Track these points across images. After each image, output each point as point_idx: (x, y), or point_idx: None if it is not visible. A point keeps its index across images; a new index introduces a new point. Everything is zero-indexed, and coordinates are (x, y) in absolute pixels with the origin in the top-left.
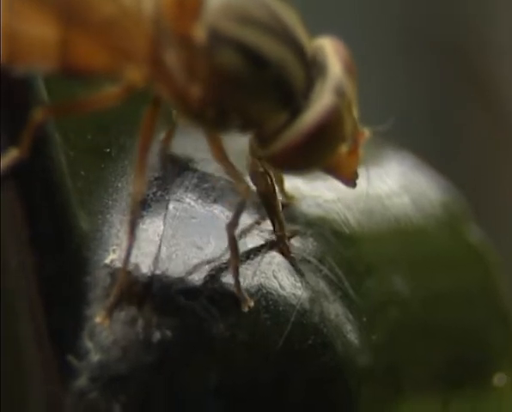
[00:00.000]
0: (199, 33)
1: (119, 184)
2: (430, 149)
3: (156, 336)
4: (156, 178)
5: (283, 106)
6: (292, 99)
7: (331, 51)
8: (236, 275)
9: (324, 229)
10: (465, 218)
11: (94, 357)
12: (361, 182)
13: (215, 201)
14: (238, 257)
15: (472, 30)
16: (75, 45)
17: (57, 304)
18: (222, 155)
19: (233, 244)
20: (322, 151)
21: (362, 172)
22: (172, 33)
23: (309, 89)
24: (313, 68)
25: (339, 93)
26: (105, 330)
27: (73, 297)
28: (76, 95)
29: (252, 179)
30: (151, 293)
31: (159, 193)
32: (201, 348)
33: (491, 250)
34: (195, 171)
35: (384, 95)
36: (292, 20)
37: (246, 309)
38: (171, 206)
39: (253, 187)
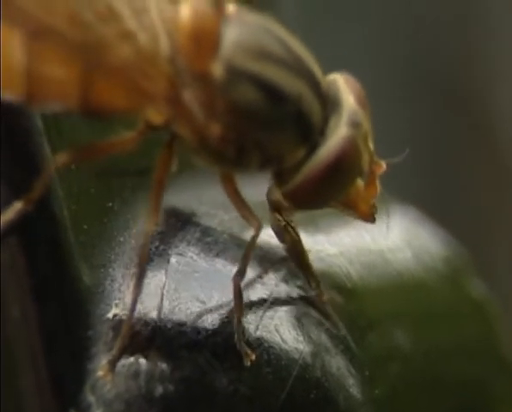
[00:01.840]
0: (217, 70)
1: (122, 239)
2: (432, 200)
3: (159, 389)
4: (159, 233)
5: (301, 140)
6: (310, 133)
7: (343, 85)
8: (239, 327)
9: (325, 283)
10: (467, 272)
11: (97, 411)
12: (363, 236)
13: (217, 255)
14: (242, 309)
15: (476, 76)
16: (94, 86)
17: (59, 357)
18: (235, 194)
19: (238, 294)
20: (341, 183)
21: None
22: (189, 71)
23: (325, 124)
24: (327, 102)
25: (355, 124)
26: (107, 383)
27: (75, 350)
28: (82, 141)
29: (277, 236)
30: (154, 347)
31: (161, 247)
32: (204, 402)
33: (493, 303)
34: (197, 225)
35: (386, 142)
36: (306, 54)
37: (248, 363)
38: (173, 260)
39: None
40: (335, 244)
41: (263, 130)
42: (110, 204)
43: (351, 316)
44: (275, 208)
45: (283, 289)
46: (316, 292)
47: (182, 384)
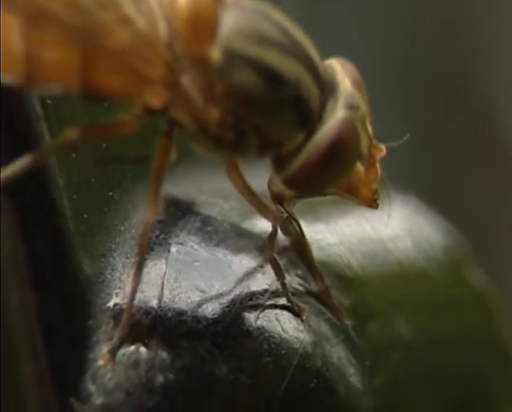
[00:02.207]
0: (215, 55)
1: (122, 228)
2: (433, 191)
3: (159, 379)
4: (159, 222)
5: (300, 125)
6: (309, 117)
7: (339, 69)
8: (285, 289)
9: (326, 272)
10: (467, 261)
11: (97, 400)
12: (364, 225)
13: (218, 244)
14: (283, 274)
15: (474, 74)
16: (93, 70)
17: (60, 346)
18: (243, 184)
19: (274, 264)
20: (340, 166)
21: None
22: (187, 56)
23: (323, 108)
24: (325, 87)
25: (352, 107)
26: (108, 372)
27: (76, 340)
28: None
29: (281, 229)
30: (154, 336)
31: (162, 236)
32: (204, 391)
33: (494, 292)
34: (198, 214)
35: (385, 136)
36: (304, 39)
37: (304, 317)
38: (174, 249)
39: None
40: (335, 233)
41: (262, 115)
42: (110, 193)
43: (352, 305)
44: (277, 199)
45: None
46: (320, 287)
47: (182, 374)
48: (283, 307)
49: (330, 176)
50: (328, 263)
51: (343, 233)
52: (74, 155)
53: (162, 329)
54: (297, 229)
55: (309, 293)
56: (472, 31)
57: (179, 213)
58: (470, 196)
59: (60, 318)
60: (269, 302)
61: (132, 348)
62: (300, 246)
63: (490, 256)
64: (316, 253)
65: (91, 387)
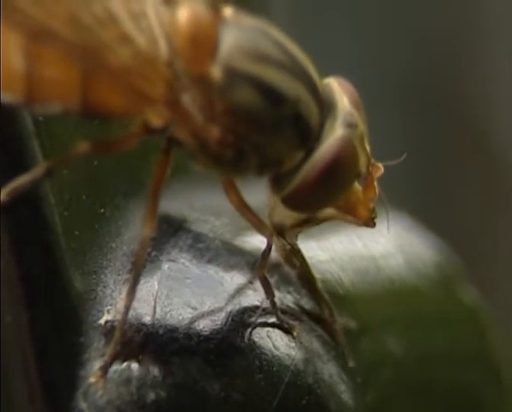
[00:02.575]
0: (215, 73)
1: (114, 245)
2: (426, 207)
3: (151, 396)
4: (151, 239)
5: (300, 143)
6: (308, 135)
7: (337, 87)
8: (275, 308)
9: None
10: (459, 278)
11: None
12: (355, 242)
13: (209, 261)
14: (273, 292)
15: (470, 86)
16: (94, 88)
17: (51, 363)
18: (240, 202)
19: (264, 282)
20: (339, 184)
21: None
22: (188, 74)
23: (322, 127)
24: (324, 105)
25: (350, 125)
26: (99, 390)
27: (67, 357)
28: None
29: (286, 262)
30: (146, 353)
31: (153, 253)
32: (196, 409)
33: (485, 309)
34: (189, 231)
35: (379, 150)
36: (304, 57)
37: (295, 334)
38: (165, 266)
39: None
40: (326, 250)
41: (262, 133)
42: (102, 210)
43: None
44: (277, 230)
45: (276, 295)
46: (329, 319)
47: (174, 391)
48: (273, 325)
49: (328, 194)
50: (319, 281)
51: (334, 250)
52: (65, 172)
53: (154, 346)
54: (302, 260)
55: (301, 309)
56: (467, 46)
57: (170, 230)
58: (464, 212)
59: (52, 335)
60: (260, 319)
61: (124, 365)
62: (305, 278)
63: (483, 272)
64: None
65: (83, 404)
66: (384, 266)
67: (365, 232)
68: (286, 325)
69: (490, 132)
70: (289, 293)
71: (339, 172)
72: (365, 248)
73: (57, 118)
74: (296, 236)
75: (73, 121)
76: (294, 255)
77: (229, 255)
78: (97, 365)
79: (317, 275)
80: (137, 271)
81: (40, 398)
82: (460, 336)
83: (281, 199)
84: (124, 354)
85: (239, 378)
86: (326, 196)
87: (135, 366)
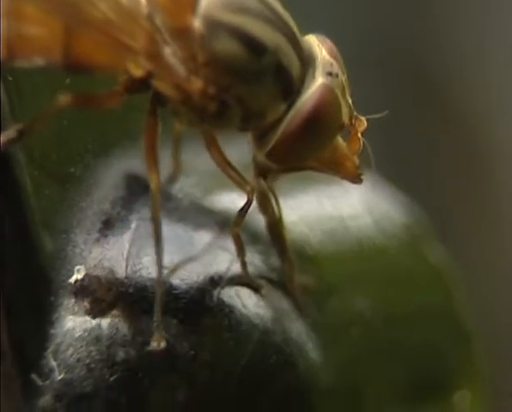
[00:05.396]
0: (196, 25)
1: (84, 204)
2: (392, 166)
3: (120, 354)
4: (121, 198)
5: (282, 95)
6: (290, 87)
7: (316, 42)
8: (245, 268)
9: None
10: (427, 238)
11: (59, 376)
12: (324, 203)
13: (179, 220)
14: (244, 251)
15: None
16: (76, 42)
17: (21, 322)
18: (221, 158)
19: (237, 240)
20: (322, 134)
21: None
22: (169, 27)
23: (303, 80)
24: (305, 58)
25: (331, 74)
26: (69, 348)
27: (37, 316)
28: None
29: (259, 207)
30: (116, 312)
31: (123, 212)
32: (164, 367)
33: (453, 269)
34: None
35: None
36: (284, 11)
37: (262, 294)
38: (135, 225)
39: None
40: (295, 210)
41: (243, 84)
42: (72, 170)
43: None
44: (262, 172)
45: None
46: (288, 274)
47: (143, 349)
48: (242, 284)
49: (312, 145)
50: (288, 240)
51: (303, 210)
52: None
53: (124, 304)
54: (275, 208)
55: (270, 268)
56: (444, 22)
57: (140, 189)
58: (438, 180)
59: (21, 294)
60: (229, 278)
61: (94, 323)
62: (274, 226)
63: (452, 233)
64: None
65: (52, 363)
66: (352, 226)
67: (334, 192)
68: (254, 285)
69: (463, 99)
70: (257, 252)
71: (322, 119)
72: (334, 208)
73: (27, 78)
74: (276, 180)
75: (45, 79)
76: (269, 202)
77: (199, 214)
78: (67, 323)
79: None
80: (157, 226)
81: (10, 357)
82: (427, 295)
83: (265, 155)
84: (94, 312)
85: (208, 336)
86: (309, 146)
87: (105, 324)
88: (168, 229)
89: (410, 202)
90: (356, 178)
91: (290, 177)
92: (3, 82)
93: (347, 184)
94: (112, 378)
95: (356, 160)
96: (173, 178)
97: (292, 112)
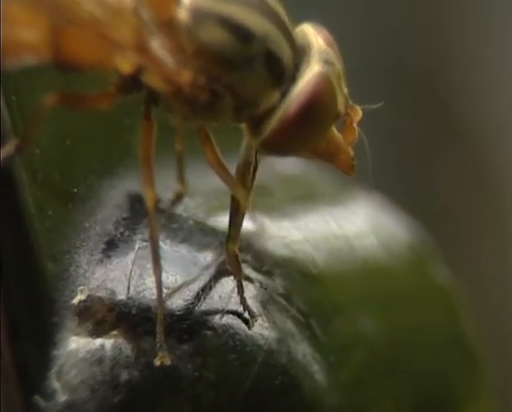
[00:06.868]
0: (182, 16)
1: (87, 224)
2: (398, 189)
3: (124, 375)
4: (124, 219)
5: (274, 83)
6: (282, 75)
7: (312, 31)
8: (240, 290)
9: (291, 269)
10: (432, 259)
11: (62, 397)
12: (329, 222)
13: (182, 241)
14: (241, 271)
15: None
16: (63, 39)
17: (24, 343)
18: (215, 159)
19: (233, 259)
20: (318, 122)
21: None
22: (155, 20)
23: (297, 67)
24: (298, 47)
25: (327, 62)
26: (72, 369)
27: (40, 337)
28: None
29: (236, 173)
30: (119, 333)
31: (126, 233)
32: (169, 388)
33: (459, 290)
34: (163, 211)
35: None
36: (274, 2)
37: (253, 324)
38: (139, 246)
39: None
40: (300, 230)
41: (233, 72)
42: (75, 190)
43: (316, 302)
44: (255, 145)
45: (248, 274)
46: (230, 250)
47: (147, 370)
48: (234, 313)
49: (308, 133)
50: (293, 260)
51: (308, 230)
52: (38, 152)
53: (127, 325)
54: (249, 182)
55: (275, 290)
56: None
57: (144, 210)
58: (438, 194)
59: (25, 315)
60: (234, 298)
61: (97, 344)
62: (238, 206)
63: (456, 253)
64: (281, 250)
65: (56, 384)
66: (357, 246)
67: (339, 212)
68: (247, 315)
69: (466, 113)
70: (263, 272)
71: (318, 107)
72: (339, 228)
73: (29, 92)
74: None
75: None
76: (248, 173)
77: (202, 235)
78: (70, 344)
79: (290, 255)
80: (155, 244)
81: (13, 378)
82: (433, 316)
83: (260, 144)
84: (97, 333)
85: (212, 357)
86: (305, 134)
87: (108, 345)
88: (172, 249)
89: (414, 223)
90: (349, 169)
91: (295, 196)
92: (4, 97)
93: (352, 205)
94: (115, 400)
95: (351, 151)
96: (178, 199)
97: (287, 100)
